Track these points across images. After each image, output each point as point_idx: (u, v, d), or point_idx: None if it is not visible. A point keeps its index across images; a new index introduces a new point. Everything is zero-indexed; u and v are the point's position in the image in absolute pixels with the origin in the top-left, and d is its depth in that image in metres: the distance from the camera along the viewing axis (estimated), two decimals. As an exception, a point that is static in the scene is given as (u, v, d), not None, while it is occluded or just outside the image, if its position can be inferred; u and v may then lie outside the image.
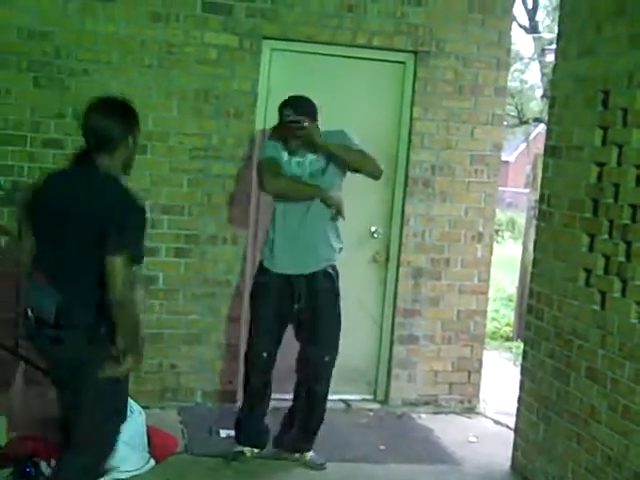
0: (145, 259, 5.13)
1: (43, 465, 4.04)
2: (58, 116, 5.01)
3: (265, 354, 4.45)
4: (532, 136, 28.58)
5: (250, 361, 4.51)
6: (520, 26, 22.91)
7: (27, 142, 4.99)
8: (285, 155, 4.45)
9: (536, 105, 23.31)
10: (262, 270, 4.51)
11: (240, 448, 4.56)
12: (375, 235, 5.63)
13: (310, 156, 4.45)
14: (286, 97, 4.53)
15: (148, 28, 5.09)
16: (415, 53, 5.51)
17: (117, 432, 3.35)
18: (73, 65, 5.00)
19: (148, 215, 5.12)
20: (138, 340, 3.21)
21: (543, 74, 21.75)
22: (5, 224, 4.90)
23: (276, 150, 4.45)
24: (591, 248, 4.09)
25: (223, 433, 4.89)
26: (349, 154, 4.42)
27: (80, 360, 3.11)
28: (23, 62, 4.93)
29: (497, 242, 13.91)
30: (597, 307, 3.99)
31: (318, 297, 4.39)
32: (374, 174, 4.54)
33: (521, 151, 32.37)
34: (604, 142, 4.06)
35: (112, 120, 3.18)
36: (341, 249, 4.51)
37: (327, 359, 4.43)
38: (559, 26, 4.69)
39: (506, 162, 30.78)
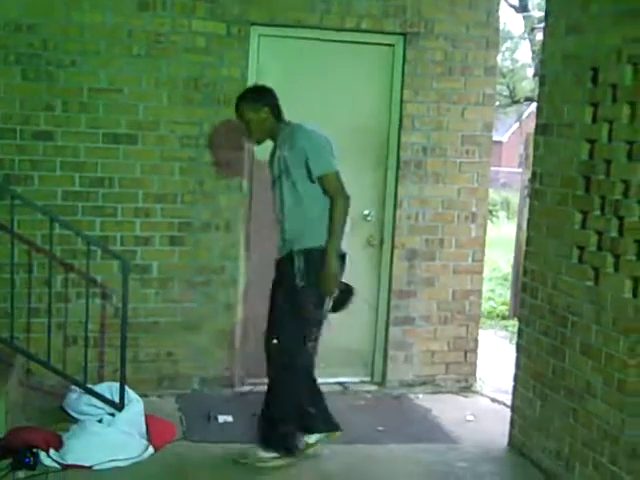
0: (139, 248, 5.23)
1: (42, 455, 4.06)
2: (47, 108, 4.99)
3: None
4: (524, 115, 28.60)
5: (306, 365, 4.35)
6: (510, 5, 22.83)
7: (17, 135, 4.97)
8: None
9: (528, 84, 23.28)
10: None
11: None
12: (368, 218, 5.64)
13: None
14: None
15: (135, 17, 5.08)
16: (404, 35, 5.50)
17: None
18: (61, 57, 4.98)
19: (142, 205, 5.21)
20: None
21: (534, 53, 21.73)
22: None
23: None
24: (584, 225, 4.10)
25: (221, 419, 4.92)
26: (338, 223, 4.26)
27: None
28: (10, 55, 4.91)
29: (492, 222, 13.97)
30: (591, 283, 4.01)
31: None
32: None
33: (514, 131, 32.38)
34: (594, 119, 4.05)
35: None
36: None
37: (274, 342, 4.28)
38: (547, 4, 4.67)
39: (499, 142, 30.84)
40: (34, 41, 4.93)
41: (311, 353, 4.33)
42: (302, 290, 4.22)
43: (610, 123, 3.91)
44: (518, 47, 28.29)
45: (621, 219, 3.79)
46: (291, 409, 4.33)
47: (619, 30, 3.85)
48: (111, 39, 5.05)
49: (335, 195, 4.23)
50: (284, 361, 4.27)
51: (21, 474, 3.94)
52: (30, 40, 4.92)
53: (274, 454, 4.33)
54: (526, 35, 23.60)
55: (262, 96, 4.42)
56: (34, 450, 4.04)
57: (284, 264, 4.32)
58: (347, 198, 4.28)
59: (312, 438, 4.43)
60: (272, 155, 4.41)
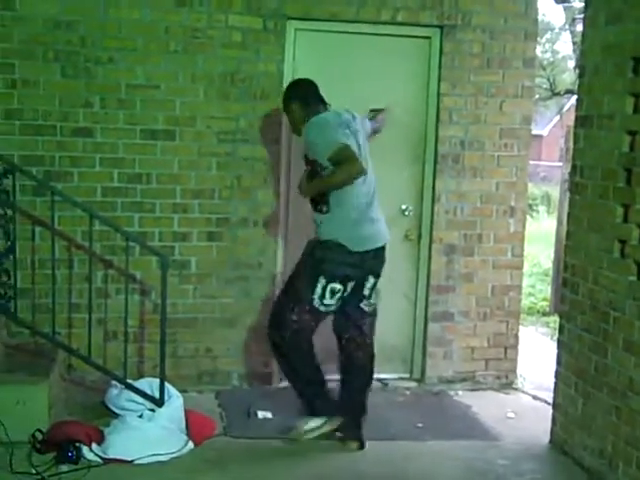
0: (177, 244, 5.25)
1: (85, 449, 4.11)
2: (86, 105, 5.04)
3: None
4: (565, 108, 28.19)
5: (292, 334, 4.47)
6: (549, -4, 22.53)
7: (57, 132, 5.02)
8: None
9: (568, 77, 22.96)
10: None
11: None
12: (406, 213, 5.60)
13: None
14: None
15: (172, 13, 5.09)
16: (441, 27, 5.45)
17: None
18: (99, 53, 5.02)
19: (180, 200, 5.22)
20: None
21: (574, 44, 21.41)
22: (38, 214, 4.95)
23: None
24: (625, 219, 4.03)
25: (260, 415, 4.92)
26: (330, 182, 4.28)
27: None
28: (49, 52, 4.96)
29: (532, 217, 13.83)
30: (633, 278, 3.93)
31: None
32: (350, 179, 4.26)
33: (554, 124, 31.97)
34: (635, 110, 3.98)
35: None
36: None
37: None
38: (587, -7, 4.60)
39: (539, 136, 30.46)
40: (72, 38, 4.97)
41: (297, 329, 4.38)
42: (303, 266, 4.43)
43: (652, 114, 3.84)
44: (559, 39, 27.89)
45: (664, 212, 3.72)
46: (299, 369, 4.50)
47: (661, 19, 3.78)
48: (148, 35, 5.08)
49: (342, 162, 4.17)
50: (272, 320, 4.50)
51: (64, 468, 3.99)
52: (68, 37, 4.97)
53: (319, 421, 4.46)
54: (567, 26, 23.25)
55: (291, 90, 4.58)
56: (77, 444, 4.10)
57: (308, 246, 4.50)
58: (356, 166, 4.18)
59: (311, 423, 4.50)
60: None
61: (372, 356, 4.55)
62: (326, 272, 4.33)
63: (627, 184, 4.01)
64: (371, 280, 4.47)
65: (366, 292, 4.47)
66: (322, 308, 4.38)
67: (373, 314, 4.55)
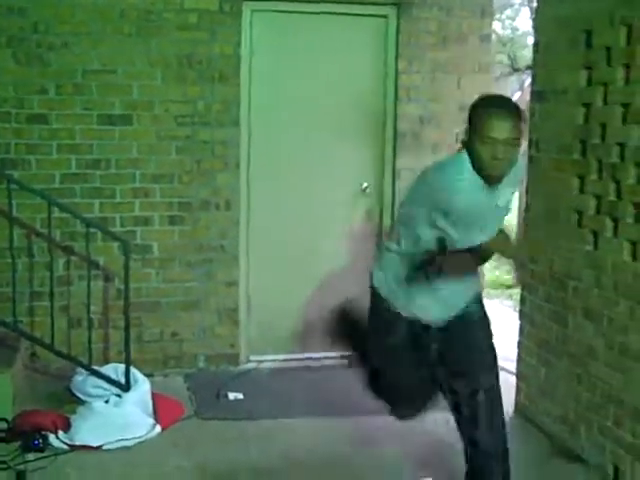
0: (139, 229, 5.23)
1: (51, 437, 4.10)
2: (41, 91, 4.97)
3: None
4: (526, 84, 28.35)
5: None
6: (508, -28, 22.58)
7: (12, 119, 4.96)
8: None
9: (528, 52, 23.00)
10: None
11: None
12: (367, 191, 5.62)
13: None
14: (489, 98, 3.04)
15: (126, -4, 5.05)
16: (397, 5, 5.46)
17: None
18: (52, 39, 4.95)
19: (140, 185, 5.17)
20: None
21: (534, 20, 21.50)
22: None
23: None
24: (582, 189, 4.09)
25: (231, 396, 4.93)
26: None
27: None
28: (2, 38, 4.88)
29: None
30: (590, 247, 4.00)
31: None
32: None
33: (516, 100, 32.18)
34: (589, 82, 4.03)
35: None
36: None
37: None
38: (539, -31, 4.64)
39: (501, 112, 30.59)
40: (25, 24, 4.90)
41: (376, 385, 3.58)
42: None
43: (605, 86, 3.89)
44: (518, 15, 28.00)
45: (618, 182, 3.78)
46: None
47: (612, -8, 3.82)
48: (102, 19, 5.02)
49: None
50: None
51: (31, 456, 3.96)
52: (21, 23, 4.89)
53: None
54: (526, 2, 23.36)
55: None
56: (43, 432, 4.08)
57: None
58: None
59: None
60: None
61: None
62: None
63: (582, 156, 4.07)
64: None
65: None
66: None
67: None
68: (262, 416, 4.63)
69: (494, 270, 8.97)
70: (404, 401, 3.59)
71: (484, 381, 3.23)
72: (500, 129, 2.85)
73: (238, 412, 4.71)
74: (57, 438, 4.10)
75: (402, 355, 3.37)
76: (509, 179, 3.03)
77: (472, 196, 2.88)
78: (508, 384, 5.05)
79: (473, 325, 3.26)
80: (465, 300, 3.24)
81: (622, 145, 3.74)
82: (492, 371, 3.27)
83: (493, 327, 3.34)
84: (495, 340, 3.31)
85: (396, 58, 5.51)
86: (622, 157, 3.75)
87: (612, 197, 3.83)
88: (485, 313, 3.33)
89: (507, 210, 3.18)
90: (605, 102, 3.89)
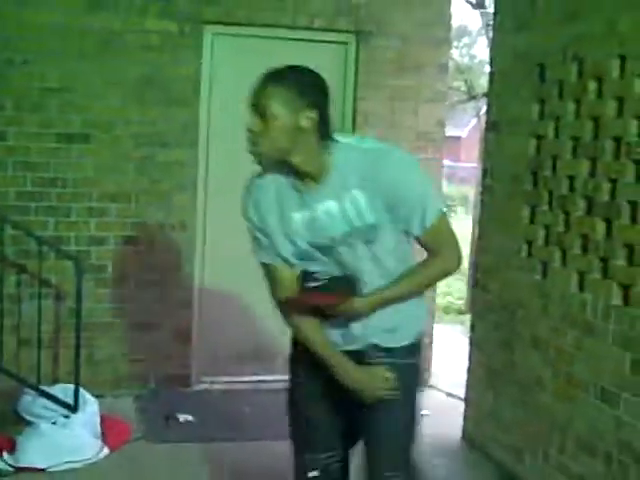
0: (93, 248, 5.20)
1: (-5, 458, 4.04)
2: (-2, 108, 4.96)
3: None
4: (482, 111, 28.70)
5: None
6: (467, 1, 22.95)
7: (-33, 135, 4.93)
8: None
9: (485, 80, 23.37)
10: None
11: None
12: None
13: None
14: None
15: (87, 16, 5.04)
16: (357, 33, 5.54)
17: None
18: (11, 56, 4.93)
19: (96, 204, 5.14)
20: None
21: (490, 51, 21.80)
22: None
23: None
24: (532, 220, 4.17)
25: (181, 418, 4.90)
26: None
27: None
28: (-41, 54, 4.87)
29: (450, 217, 14.08)
30: (539, 277, 4.08)
31: None
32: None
33: (473, 126, 32.58)
34: (542, 115, 4.13)
35: None
36: None
37: None
38: (495, 1, 4.75)
39: (458, 137, 31.00)
40: (-17, 40, 4.88)
41: None
42: None
43: (556, 120, 3.99)
44: (476, 43, 28.43)
45: (567, 214, 3.87)
46: None
47: (565, 28, 3.92)
48: (63, 38, 5.01)
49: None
50: None
51: (-26, 478, 3.92)
52: (-21, 39, 4.88)
53: None
54: (483, 31, 23.73)
55: (311, 90, 2.47)
56: (-13, 454, 4.02)
57: None
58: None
59: None
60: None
61: None
62: None
63: (534, 187, 4.16)
64: None
65: None
66: None
67: None
68: (212, 438, 4.61)
69: (445, 296, 9.06)
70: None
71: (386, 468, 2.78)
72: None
73: (187, 434, 4.69)
74: (2, 460, 4.04)
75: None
76: (344, 178, 2.41)
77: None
78: (456, 410, 5.13)
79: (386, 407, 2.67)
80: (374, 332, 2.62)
81: (572, 178, 3.84)
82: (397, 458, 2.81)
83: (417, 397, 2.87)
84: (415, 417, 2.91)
85: (355, 85, 5.58)
86: (572, 189, 3.84)
87: (561, 228, 3.91)
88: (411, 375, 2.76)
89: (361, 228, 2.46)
90: (556, 135, 3.99)
